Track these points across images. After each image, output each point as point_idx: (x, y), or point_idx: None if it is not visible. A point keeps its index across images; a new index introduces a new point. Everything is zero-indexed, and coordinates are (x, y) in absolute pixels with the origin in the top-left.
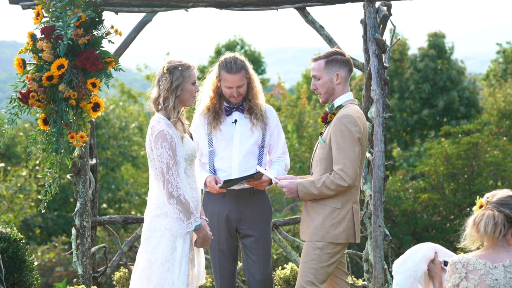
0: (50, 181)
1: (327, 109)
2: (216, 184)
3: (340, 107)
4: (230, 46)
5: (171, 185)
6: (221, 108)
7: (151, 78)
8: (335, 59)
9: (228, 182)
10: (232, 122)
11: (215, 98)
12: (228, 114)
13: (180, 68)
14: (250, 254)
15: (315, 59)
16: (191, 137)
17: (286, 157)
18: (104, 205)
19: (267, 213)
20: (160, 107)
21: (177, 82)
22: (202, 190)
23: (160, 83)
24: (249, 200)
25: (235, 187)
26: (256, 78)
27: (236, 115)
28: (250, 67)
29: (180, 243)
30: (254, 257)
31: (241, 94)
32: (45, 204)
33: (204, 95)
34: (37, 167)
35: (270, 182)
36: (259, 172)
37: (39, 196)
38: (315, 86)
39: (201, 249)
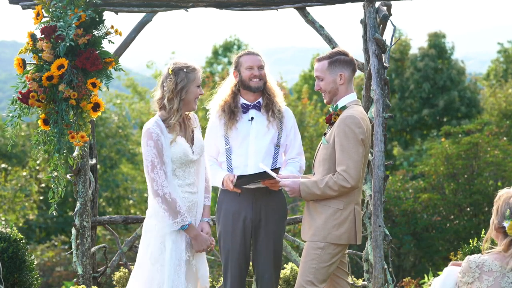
0: (57, 182)
1: (331, 110)
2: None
3: (344, 108)
4: (227, 47)
5: (156, 183)
6: (237, 106)
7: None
8: (338, 60)
9: (242, 179)
10: (249, 120)
11: (231, 96)
12: (244, 111)
13: (185, 70)
14: (262, 252)
15: (319, 60)
16: (192, 138)
17: (302, 159)
18: (103, 203)
19: (283, 212)
20: (161, 107)
21: (182, 84)
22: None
23: (164, 84)
24: (265, 199)
25: (251, 185)
26: (271, 77)
27: (252, 112)
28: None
29: (169, 243)
30: (266, 255)
31: (262, 77)
32: (55, 206)
33: (219, 94)
34: (37, 167)
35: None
36: (261, 164)
37: (41, 197)
38: (318, 86)
39: (203, 256)
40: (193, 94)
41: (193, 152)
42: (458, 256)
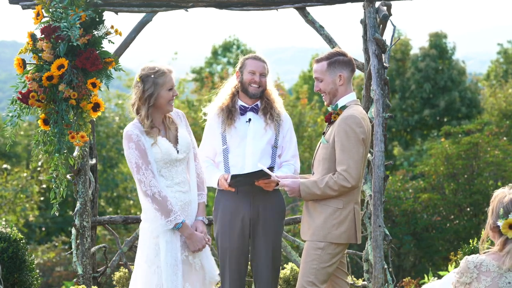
0: (58, 182)
1: (330, 109)
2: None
3: (344, 107)
4: (227, 47)
5: (144, 184)
6: (234, 106)
7: None
8: (337, 60)
9: (236, 178)
10: (246, 121)
11: (230, 96)
12: (242, 113)
13: (153, 76)
14: (261, 250)
15: (317, 61)
16: (176, 136)
17: (296, 161)
18: (103, 203)
19: (281, 210)
20: (135, 112)
21: (149, 91)
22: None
23: (134, 90)
24: (263, 197)
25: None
26: (272, 85)
27: (250, 114)
28: (270, 74)
29: (163, 244)
30: (264, 254)
31: (263, 84)
32: (57, 206)
33: (219, 95)
34: (38, 168)
35: (277, 183)
36: (259, 164)
37: (42, 198)
38: (318, 87)
39: (205, 251)
40: (164, 98)
41: (178, 151)
42: (458, 256)
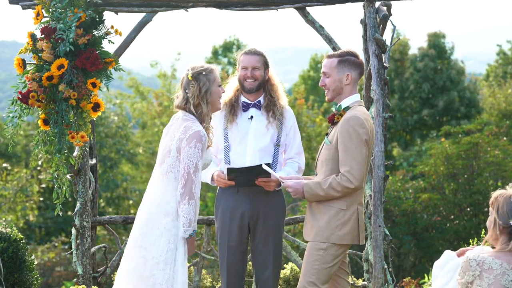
0: (60, 182)
1: (333, 109)
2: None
3: (347, 108)
4: (227, 47)
5: (195, 186)
6: (237, 101)
7: (161, 76)
8: (348, 60)
9: (233, 172)
10: (248, 118)
11: (234, 91)
12: (245, 110)
13: (204, 73)
14: (261, 248)
15: (329, 56)
16: None
17: (301, 158)
18: (103, 203)
19: (281, 209)
20: (188, 110)
21: (205, 88)
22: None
23: (187, 90)
24: (263, 196)
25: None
26: (276, 77)
27: (252, 111)
28: (270, 64)
29: (181, 244)
30: (265, 252)
31: (257, 78)
32: (60, 206)
33: (225, 89)
34: (38, 167)
35: (279, 184)
36: (264, 164)
37: (41, 198)
38: (323, 82)
39: None
40: (217, 94)
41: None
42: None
